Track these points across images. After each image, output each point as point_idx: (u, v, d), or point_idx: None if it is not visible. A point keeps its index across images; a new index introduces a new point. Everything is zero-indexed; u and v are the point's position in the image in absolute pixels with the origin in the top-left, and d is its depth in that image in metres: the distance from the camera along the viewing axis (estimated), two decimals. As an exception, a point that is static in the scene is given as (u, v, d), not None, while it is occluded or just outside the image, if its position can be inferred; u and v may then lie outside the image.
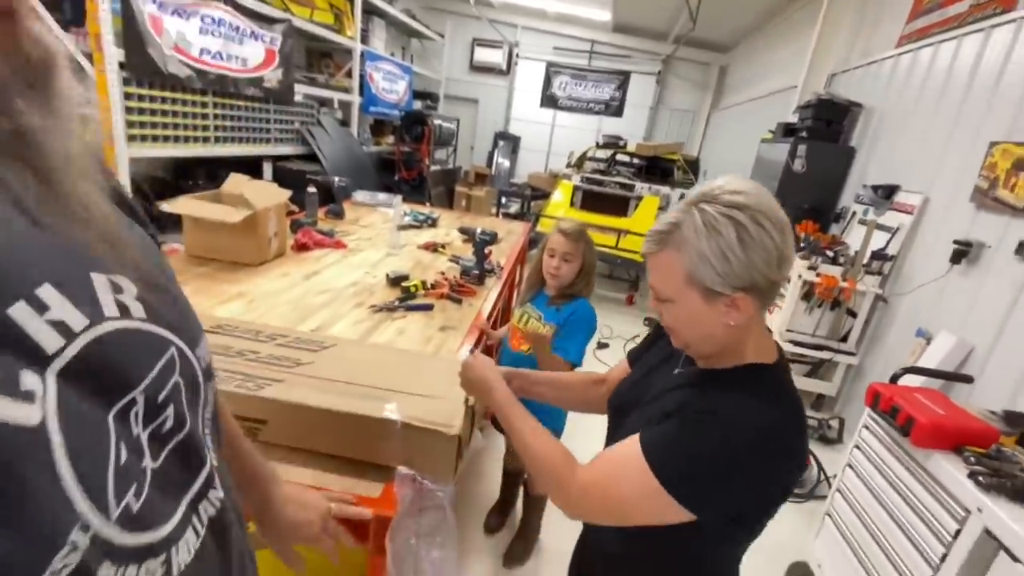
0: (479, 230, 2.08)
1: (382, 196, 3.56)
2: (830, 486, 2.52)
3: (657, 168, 5.98)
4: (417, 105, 8.53)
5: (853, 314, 3.17)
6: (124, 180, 3.56)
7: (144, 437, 0.39)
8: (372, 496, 0.90)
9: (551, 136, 10.12)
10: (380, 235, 2.67)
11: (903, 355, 2.64)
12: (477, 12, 8.99)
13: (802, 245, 3.40)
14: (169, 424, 0.42)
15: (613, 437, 0.91)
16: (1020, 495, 1.09)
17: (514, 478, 2.05)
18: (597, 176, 5.53)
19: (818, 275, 3.07)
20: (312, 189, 2.56)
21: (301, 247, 2.20)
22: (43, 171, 0.34)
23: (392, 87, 7.53)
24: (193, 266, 1.84)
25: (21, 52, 0.33)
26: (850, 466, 1.58)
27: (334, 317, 1.60)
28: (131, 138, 3.61)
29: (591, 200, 5.05)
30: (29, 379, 0.31)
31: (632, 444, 0.74)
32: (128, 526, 0.36)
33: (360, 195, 3.33)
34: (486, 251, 2.13)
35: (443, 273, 2.10)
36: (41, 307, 0.33)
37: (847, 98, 3.85)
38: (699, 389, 0.78)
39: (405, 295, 1.82)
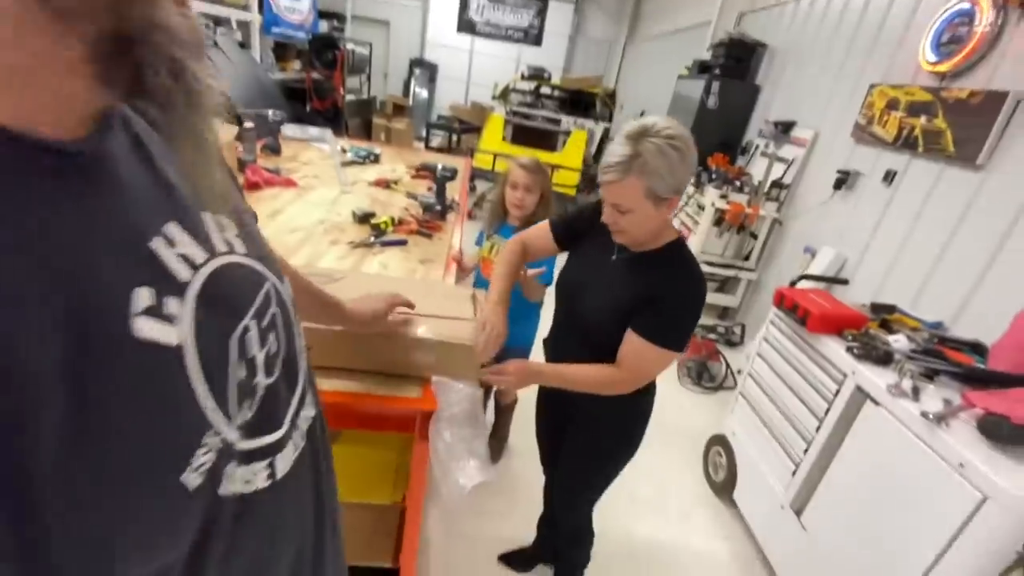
0: (440, 166, 2.14)
1: (313, 131, 3.38)
2: (735, 381, 3.06)
3: (580, 101, 6.11)
4: (323, 27, 7.78)
5: (754, 236, 3.68)
6: None
7: (260, 358, 0.46)
8: (414, 397, 1.06)
9: (470, 64, 9.75)
10: (325, 172, 2.62)
11: (794, 268, 3.17)
12: (383, -81, 8.15)
13: (713, 176, 3.80)
14: (273, 348, 0.49)
15: (569, 312, 1.25)
16: (879, 361, 1.49)
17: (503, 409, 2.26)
18: (525, 110, 5.56)
19: (728, 203, 3.49)
20: (249, 124, 2.41)
21: (252, 186, 2.13)
22: (195, 125, 0.37)
23: (295, 5, 6.78)
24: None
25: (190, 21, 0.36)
26: (759, 355, 1.98)
27: (316, 254, 1.65)
28: None
29: (522, 134, 5.12)
30: (172, 305, 0.37)
31: (638, 341, 1.07)
32: (247, 433, 0.43)
33: (290, 129, 3.14)
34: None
35: (407, 209, 2.17)
36: (171, 242, 0.39)
37: (754, 38, 4.18)
38: (648, 269, 1.11)
39: (377, 231, 1.88)
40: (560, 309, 1.31)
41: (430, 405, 1.05)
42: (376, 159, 3.02)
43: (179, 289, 0.38)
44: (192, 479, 0.37)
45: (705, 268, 3.63)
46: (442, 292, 1.31)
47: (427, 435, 1.05)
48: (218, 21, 5.23)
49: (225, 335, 0.42)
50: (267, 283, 0.50)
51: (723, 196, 3.52)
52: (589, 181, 4.74)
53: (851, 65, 3.07)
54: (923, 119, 2.40)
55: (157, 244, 0.37)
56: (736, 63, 4.16)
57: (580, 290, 1.22)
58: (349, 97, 7.43)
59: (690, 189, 4.03)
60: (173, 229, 0.39)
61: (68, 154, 0.32)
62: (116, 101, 0.36)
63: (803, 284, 2.14)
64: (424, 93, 9.54)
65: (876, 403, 1.42)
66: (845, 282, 2.41)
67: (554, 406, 1.43)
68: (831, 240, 2.93)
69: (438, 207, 2.15)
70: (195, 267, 0.40)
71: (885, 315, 1.77)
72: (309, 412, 0.56)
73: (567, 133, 5.07)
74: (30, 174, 0.30)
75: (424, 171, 2.80)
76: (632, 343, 1.08)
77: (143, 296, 0.35)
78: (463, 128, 5.93)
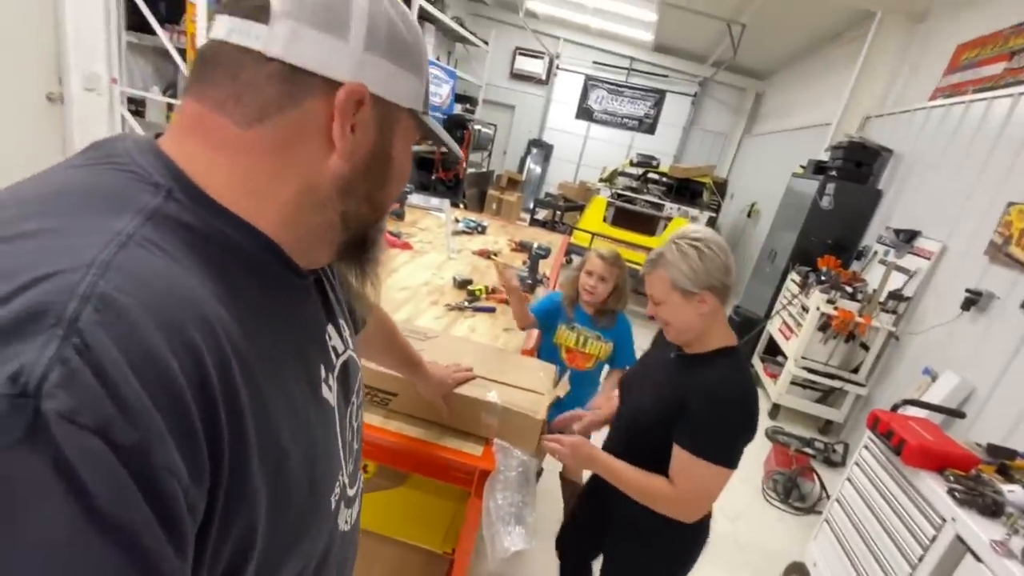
0: (536, 245, 2.35)
1: (434, 201, 3.86)
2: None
3: (687, 189, 6.19)
4: (458, 108, 8.84)
5: (866, 347, 3.38)
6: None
7: (355, 426, 0.63)
8: (475, 455, 1.18)
9: (583, 147, 10.36)
10: (437, 238, 2.96)
11: (909, 390, 2.85)
12: (522, 23, 9.29)
13: (823, 278, 3.62)
14: (360, 422, 0.66)
15: (623, 405, 1.34)
16: (987, 510, 1.32)
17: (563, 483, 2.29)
18: (629, 193, 5.76)
19: (836, 308, 3.28)
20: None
21: (376, 246, 2.49)
22: (367, 273, 0.56)
23: (437, 90, 7.84)
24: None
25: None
26: (849, 480, 1.81)
27: (417, 312, 1.89)
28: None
29: (622, 217, 5.29)
30: (331, 379, 0.53)
31: (679, 452, 1.10)
32: (350, 482, 0.59)
33: (416, 198, 3.63)
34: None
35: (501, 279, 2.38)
36: (330, 336, 0.56)
37: (878, 143, 4.05)
38: (693, 371, 1.15)
39: (471, 297, 2.09)
40: (620, 403, 1.37)
41: (488, 465, 1.15)
42: (483, 230, 3.34)
43: (334, 369, 0.55)
44: (333, 505, 0.53)
45: (805, 375, 3.40)
46: (518, 363, 1.44)
47: (482, 493, 1.15)
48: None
49: (346, 405, 0.60)
50: (360, 372, 0.67)
51: (830, 301, 3.32)
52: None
53: (987, 179, 2.86)
54: (1072, 246, 2.16)
55: (327, 337, 0.55)
56: (856, 166, 4.03)
57: (635, 383, 1.30)
58: (470, 170, 8.25)
59: (794, 288, 3.86)
60: (331, 329, 0.57)
61: (304, 277, 0.50)
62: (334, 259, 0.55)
63: (909, 410, 1.94)
64: (538, 170, 10.25)
65: (978, 559, 1.25)
66: (962, 415, 2.13)
67: (598, 505, 1.38)
68: (955, 365, 2.62)
69: (529, 281, 2.34)
70: (338, 355, 0.57)
71: (1004, 459, 1.56)
72: (359, 476, 0.72)
73: (668, 219, 5.15)
74: (290, 283, 0.49)
75: (521, 247, 3.04)
76: (677, 456, 1.10)
77: (323, 370, 0.52)
78: (568, 206, 6.27)
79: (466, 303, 2.03)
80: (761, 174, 7.59)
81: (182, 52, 3.67)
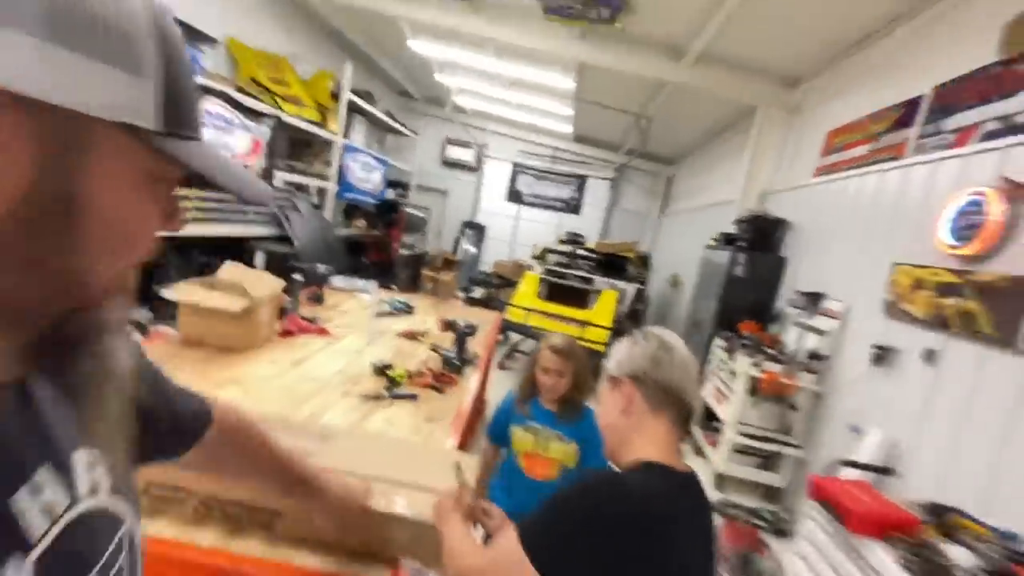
0: (462, 323, 2.24)
1: (360, 282, 3.71)
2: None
3: (614, 264, 6.46)
4: (390, 193, 8.96)
5: (795, 408, 3.45)
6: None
7: None
8: (380, 583, 0.96)
9: (515, 228, 10.73)
10: (360, 321, 2.78)
11: (841, 448, 2.89)
12: (451, 116, 9.84)
13: (745, 343, 3.74)
14: None
15: None
16: (940, 578, 1.26)
17: None
18: (559, 269, 5.91)
19: (762, 371, 3.36)
20: (299, 277, 2.68)
21: (286, 333, 2.28)
22: (88, 397, 0.39)
23: (368, 176, 7.93)
24: (187, 350, 1.89)
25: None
26: (798, 555, 1.71)
27: (325, 405, 1.68)
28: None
29: (555, 291, 5.37)
30: (10, 572, 0.32)
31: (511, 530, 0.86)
32: None
33: (339, 281, 3.46)
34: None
35: (426, 362, 2.22)
36: (37, 490, 0.35)
37: (776, 215, 4.45)
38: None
39: (390, 384, 1.91)
40: None
41: (395, 594, 0.95)
42: (410, 310, 3.20)
43: (25, 549, 0.34)
44: None
45: (743, 440, 3.38)
46: (434, 458, 1.27)
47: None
48: (300, 187, 6.16)
49: None
50: (120, 529, 0.46)
51: (755, 364, 3.41)
52: (618, 337, 4.78)
53: (872, 244, 3.15)
54: (953, 300, 2.35)
55: (19, 499, 0.34)
56: (761, 236, 4.38)
57: None
58: (404, 252, 8.21)
59: (721, 354, 3.96)
60: (43, 475, 0.37)
61: None
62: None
63: (843, 471, 1.92)
64: (473, 250, 10.41)
65: (943, 639, 1.16)
66: (890, 472, 2.14)
67: None
68: (878, 420, 2.70)
69: (456, 361, 2.20)
70: (55, 517, 0.37)
71: (944, 518, 1.53)
72: None
73: (598, 292, 5.29)
74: None
75: (450, 327, 2.93)
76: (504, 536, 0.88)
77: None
78: (502, 283, 6.31)
79: (384, 391, 1.84)
80: (680, 247, 8.13)
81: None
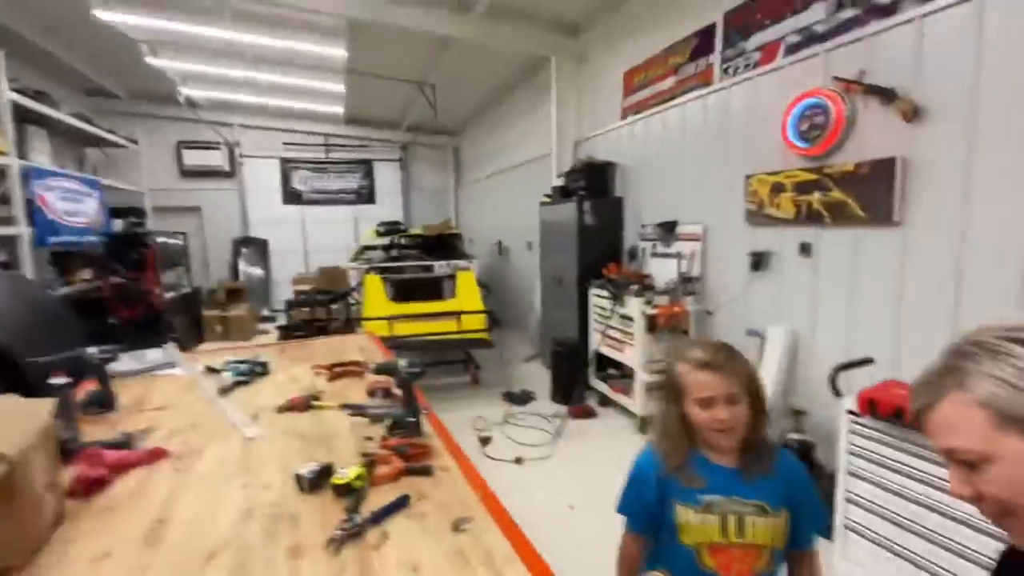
0: (402, 363, 1.53)
1: (152, 355, 2.47)
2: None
3: (439, 245, 5.99)
4: (118, 225, 6.66)
5: (686, 333, 3.63)
6: None
7: None
8: None
9: (303, 233, 9.26)
10: (202, 416, 1.76)
11: (748, 354, 3.10)
12: (180, 113, 7.71)
13: (629, 285, 3.78)
14: None
15: None
16: None
17: None
18: (394, 264, 5.18)
19: (655, 307, 3.42)
20: (58, 380, 1.52)
21: (90, 488, 1.23)
22: None
23: (77, 208, 5.70)
24: None
25: None
26: (853, 474, 1.65)
27: (279, 603, 0.87)
28: None
29: (403, 289, 4.66)
30: None
31: None
32: None
33: (124, 364, 2.20)
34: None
35: (370, 439, 1.46)
36: None
37: (602, 159, 4.58)
38: None
39: (352, 503, 1.15)
40: None
41: None
42: (264, 370, 2.22)
43: None
44: None
45: (655, 378, 3.42)
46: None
47: None
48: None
49: None
50: None
51: (647, 302, 3.45)
52: (495, 320, 4.42)
53: (718, 165, 3.38)
54: (817, 195, 2.62)
55: None
56: (596, 182, 4.45)
57: None
58: (168, 294, 6.23)
59: (605, 303, 3.93)
60: None
61: None
62: None
63: (844, 377, 1.95)
64: (259, 271, 8.63)
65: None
66: (871, 361, 2.22)
67: None
68: (772, 318, 2.96)
69: (411, 418, 1.50)
70: None
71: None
72: None
73: (451, 277, 4.78)
74: None
75: (342, 369, 2.11)
76: None
77: None
78: (330, 297, 5.25)
79: (352, 519, 1.08)
80: (492, 214, 8.07)
81: None
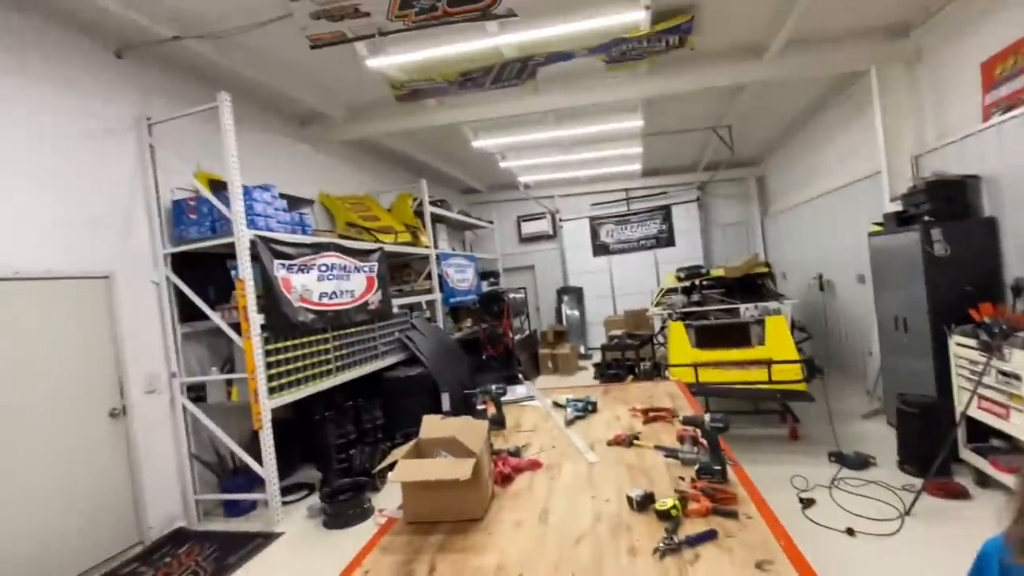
0: (708, 418, 1.83)
1: (519, 390, 3.43)
2: None
3: (749, 286, 5.77)
4: (484, 285, 9.01)
5: None
6: (267, 430, 3.60)
7: None
8: None
9: (611, 279, 10.32)
10: (555, 438, 2.44)
11: None
12: (519, 194, 9.98)
13: (988, 332, 2.96)
14: None
15: None
16: None
17: None
18: (696, 309, 5.34)
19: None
20: (480, 405, 2.43)
21: (504, 480, 1.98)
22: None
23: (463, 276, 8.02)
24: (419, 536, 1.62)
25: None
26: None
27: (616, 573, 1.30)
28: (271, 390, 3.74)
29: (707, 335, 4.77)
30: None
31: None
32: None
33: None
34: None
35: (682, 478, 1.80)
36: None
37: (958, 174, 3.72)
38: None
39: (671, 525, 1.51)
40: None
41: None
42: (594, 408, 2.83)
43: None
44: None
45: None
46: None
47: None
48: (412, 307, 6.24)
49: None
50: None
51: (1044, 356, 2.63)
52: (814, 369, 4.04)
53: None
54: None
55: None
56: (947, 203, 3.64)
57: None
58: (516, 337, 8.03)
59: (970, 354, 3.14)
60: None
61: None
62: None
63: None
64: (576, 314, 10.07)
65: None
66: None
67: None
68: None
69: (717, 467, 1.76)
70: None
71: None
72: None
73: (759, 323, 4.62)
74: None
75: (654, 413, 2.51)
76: None
77: None
78: (638, 342, 5.80)
79: (672, 539, 1.43)
80: (813, 245, 7.23)
81: (235, 326, 3.64)
